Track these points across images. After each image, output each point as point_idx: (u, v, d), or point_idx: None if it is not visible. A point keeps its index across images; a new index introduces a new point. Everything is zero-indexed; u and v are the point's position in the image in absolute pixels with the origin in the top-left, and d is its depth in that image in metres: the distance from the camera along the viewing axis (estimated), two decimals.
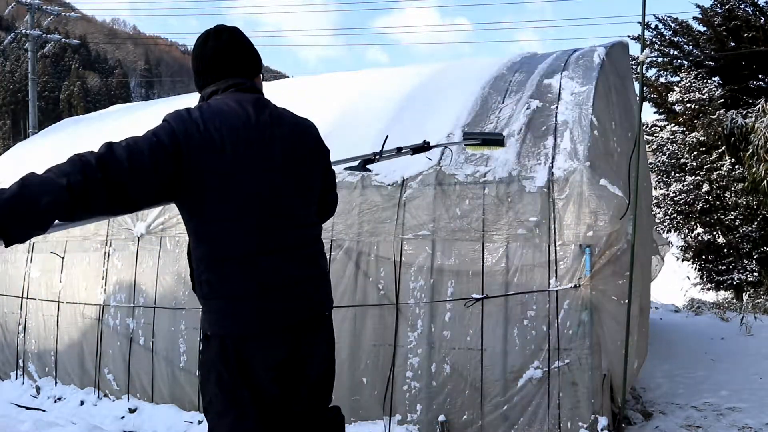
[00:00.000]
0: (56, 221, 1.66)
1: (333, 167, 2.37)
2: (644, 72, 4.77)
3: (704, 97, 12.10)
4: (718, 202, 11.90)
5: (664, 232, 12.97)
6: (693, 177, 12.01)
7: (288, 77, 34.85)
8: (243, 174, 1.83)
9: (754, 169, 10.40)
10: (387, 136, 2.98)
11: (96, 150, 1.73)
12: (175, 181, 1.76)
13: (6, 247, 1.59)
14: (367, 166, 2.97)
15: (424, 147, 3.14)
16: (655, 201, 12.83)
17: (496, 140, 3.39)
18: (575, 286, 3.46)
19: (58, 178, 1.63)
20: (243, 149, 1.84)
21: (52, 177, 1.63)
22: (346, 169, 3.02)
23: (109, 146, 1.71)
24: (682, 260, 13.06)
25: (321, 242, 2.15)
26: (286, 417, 2.06)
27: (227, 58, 1.98)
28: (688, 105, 12.28)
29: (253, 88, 2.01)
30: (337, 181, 4.26)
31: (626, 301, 3.72)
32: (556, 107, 3.97)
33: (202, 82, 2.03)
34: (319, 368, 2.10)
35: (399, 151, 3.04)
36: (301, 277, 1.98)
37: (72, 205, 1.62)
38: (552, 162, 3.67)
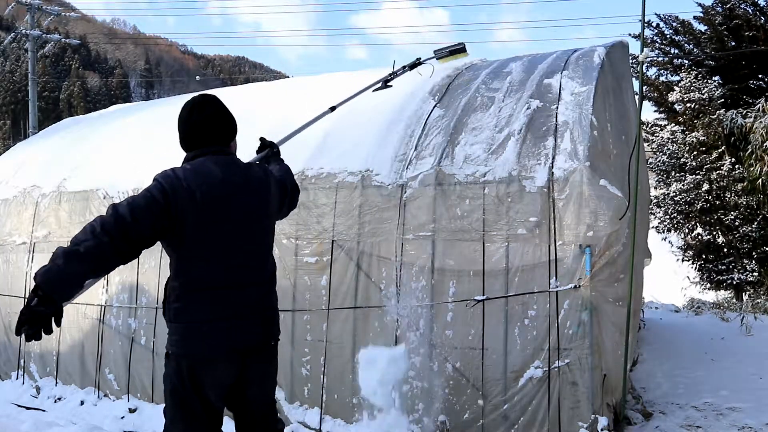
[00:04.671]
0: (88, 279, 2.10)
1: None
2: (645, 71, 4.80)
3: (704, 96, 12.10)
4: (718, 202, 11.89)
5: (664, 231, 12.97)
6: (693, 177, 11.99)
7: (288, 77, 34.87)
8: (214, 223, 2.24)
9: (752, 169, 10.40)
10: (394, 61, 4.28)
11: (104, 214, 2.14)
12: (166, 226, 2.18)
13: (52, 313, 2.01)
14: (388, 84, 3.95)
15: (416, 63, 4.17)
16: (655, 201, 12.82)
17: (459, 49, 4.37)
18: (575, 286, 3.46)
19: (75, 246, 2.04)
20: (216, 203, 2.25)
21: (71, 248, 2.05)
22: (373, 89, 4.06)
23: (114, 208, 2.14)
24: (682, 260, 13.05)
25: (274, 280, 2.52)
26: (240, 416, 2.51)
27: (208, 130, 2.38)
28: (688, 105, 12.27)
29: (227, 151, 2.42)
30: (336, 181, 4.27)
31: (623, 302, 3.72)
32: (557, 107, 3.97)
33: (186, 146, 2.42)
34: (264, 386, 2.52)
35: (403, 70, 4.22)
36: (253, 311, 2.36)
37: (92, 265, 2.07)
38: (552, 162, 3.67)
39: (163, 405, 2.43)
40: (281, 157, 2.98)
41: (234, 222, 2.29)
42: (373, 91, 4.00)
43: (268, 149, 2.92)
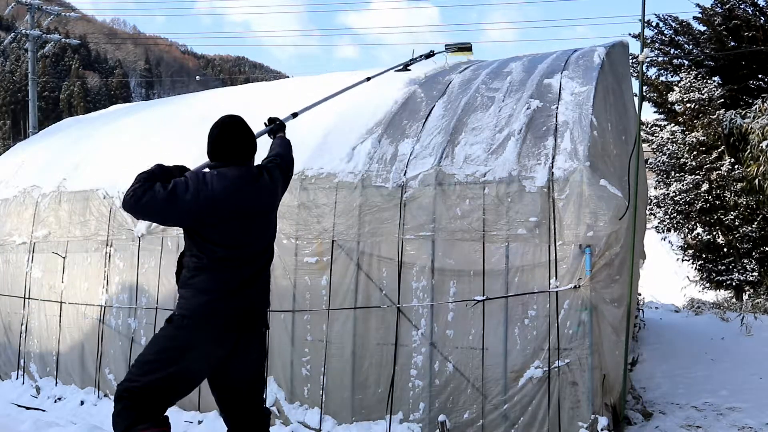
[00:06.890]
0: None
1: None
2: (645, 71, 4.83)
3: (704, 96, 12.10)
4: (717, 202, 11.89)
5: (664, 231, 12.97)
6: (693, 177, 12.00)
7: (287, 77, 34.87)
8: (227, 219, 2.72)
9: (749, 170, 10.42)
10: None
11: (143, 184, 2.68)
12: (185, 215, 2.68)
13: None
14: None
15: (430, 54, 5.19)
16: (654, 201, 12.83)
17: (466, 47, 5.43)
18: (575, 286, 3.46)
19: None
20: (231, 203, 2.72)
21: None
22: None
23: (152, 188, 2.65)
24: (682, 260, 13.05)
25: (269, 265, 2.94)
26: (223, 396, 2.83)
27: (232, 148, 2.84)
28: (688, 105, 12.28)
29: (246, 164, 2.87)
30: (336, 181, 4.27)
31: (618, 303, 3.72)
32: (557, 107, 3.97)
33: (213, 158, 2.87)
34: (249, 365, 2.81)
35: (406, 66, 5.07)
36: (247, 285, 2.77)
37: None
38: (552, 162, 3.67)
39: (142, 361, 2.69)
40: (283, 133, 3.35)
41: (242, 217, 2.76)
42: (396, 71, 4.97)
43: (273, 125, 3.36)
